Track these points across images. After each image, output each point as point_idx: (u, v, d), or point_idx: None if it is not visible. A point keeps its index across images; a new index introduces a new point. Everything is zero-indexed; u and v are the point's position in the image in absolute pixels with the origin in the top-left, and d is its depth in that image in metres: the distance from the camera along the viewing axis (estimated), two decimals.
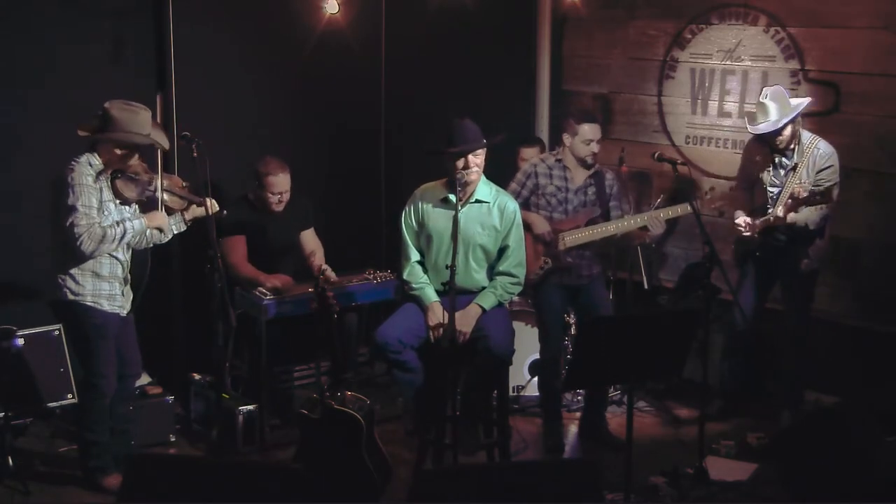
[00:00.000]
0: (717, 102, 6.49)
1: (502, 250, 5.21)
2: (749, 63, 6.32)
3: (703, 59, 6.56)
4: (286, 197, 5.80)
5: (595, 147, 5.54)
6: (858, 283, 6.02)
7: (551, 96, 7.35)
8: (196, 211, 4.99)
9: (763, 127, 5.48)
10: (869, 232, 5.94)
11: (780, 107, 5.45)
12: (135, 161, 4.89)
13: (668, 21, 6.70)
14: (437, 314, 5.07)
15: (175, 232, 5.05)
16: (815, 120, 5.95)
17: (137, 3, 5.81)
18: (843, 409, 4.87)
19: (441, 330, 5.02)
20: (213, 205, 4.92)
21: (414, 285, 5.21)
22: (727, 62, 6.43)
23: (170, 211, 4.99)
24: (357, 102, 6.60)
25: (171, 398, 5.65)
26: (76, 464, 5.17)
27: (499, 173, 5.63)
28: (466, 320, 5.05)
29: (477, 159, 5.06)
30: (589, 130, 5.52)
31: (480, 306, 5.11)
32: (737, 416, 6.02)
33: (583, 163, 5.56)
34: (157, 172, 4.93)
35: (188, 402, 5.79)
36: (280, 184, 5.74)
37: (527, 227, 5.47)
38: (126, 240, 4.81)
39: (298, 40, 6.30)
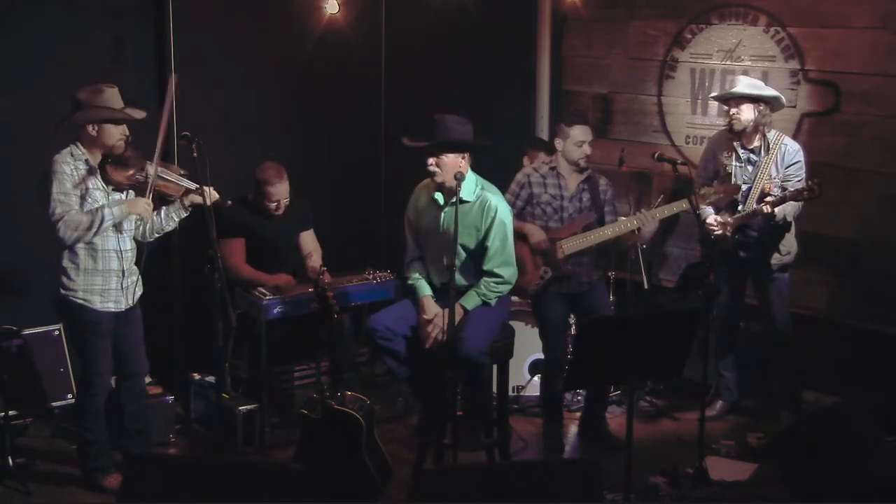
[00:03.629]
0: (717, 102, 6.48)
1: (486, 249, 5.17)
2: (749, 63, 6.32)
3: (703, 59, 6.57)
4: (284, 203, 5.80)
5: (587, 149, 5.54)
6: (858, 283, 6.02)
7: (551, 96, 7.35)
8: (195, 198, 4.93)
9: (733, 89, 5.59)
10: (869, 232, 5.95)
11: (749, 84, 5.57)
12: (120, 142, 4.83)
13: (668, 21, 6.71)
14: (429, 309, 5.09)
15: (176, 220, 5.03)
16: (815, 120, 5.95)
17: (137, 3, 5.81)
18: (843, 409, 4.86)
19: (433, 329, 5.05)
20: (211, 193, 4.89)
21: (409, 280, 5.27)
22: (727, 62, 6.43)
23: (166, 197, 4.98)
24: (357, 102, 6.60)
25: (171, 398, 5.65)
26: (76, 464, 5.16)
27: (504, 176, 5.64)
28: (447, 320, 5.03)
29: (435, 159, 5.01)
30: (580, 132, 5.52)
31: (462, 306, 5.10)
32: (737, 416, 6.03)
33: (576, 166, 5.56)
34: (153, 159, 4.88)
35: (188, 402, 5.79)
36: (278, 193, 5.75)
37: (523, 237, 5.48)
38: (105, 225, 4.76)
39: (298, 40, 6.31)
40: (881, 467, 4.05)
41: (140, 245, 5.07)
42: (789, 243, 5.67)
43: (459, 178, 4.94)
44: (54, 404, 5.51)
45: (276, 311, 5.55)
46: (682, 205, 5.42)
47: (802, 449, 4.28)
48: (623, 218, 5.56)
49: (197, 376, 5.76)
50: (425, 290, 5.19)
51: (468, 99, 6.44)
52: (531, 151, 6.55)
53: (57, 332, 5.48)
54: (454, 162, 5.04)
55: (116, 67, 5.73)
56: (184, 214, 5.04)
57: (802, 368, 5.89)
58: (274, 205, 5.77)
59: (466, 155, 5.08)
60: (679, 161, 5.56)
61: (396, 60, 6.66)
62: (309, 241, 6.04)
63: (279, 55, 6.29)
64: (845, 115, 5.96)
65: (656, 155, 5.53)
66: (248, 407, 5.53)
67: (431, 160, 5.03)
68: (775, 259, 5.66)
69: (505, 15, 7.16)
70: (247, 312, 5.64)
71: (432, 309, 5.10)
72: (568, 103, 7.20)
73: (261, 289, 5.62)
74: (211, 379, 5.64)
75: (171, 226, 5.07)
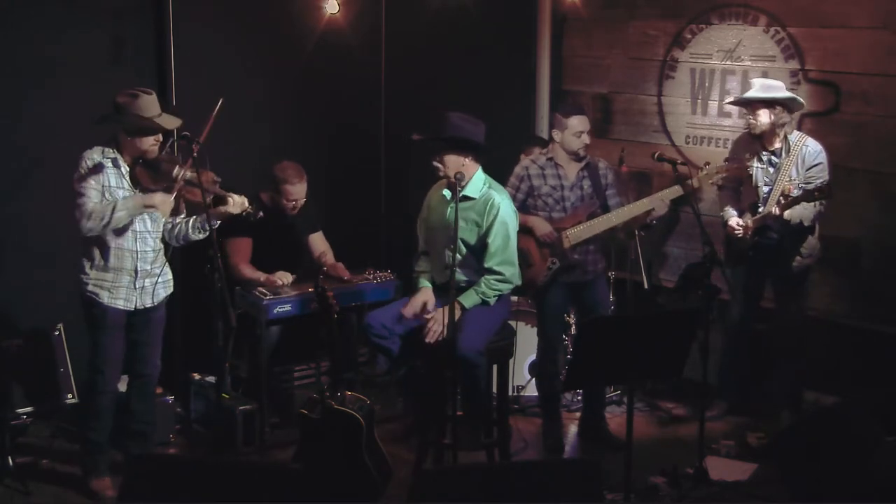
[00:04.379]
0: (717, 102, 6.49)
1: (487, 247, 5.15)
2: (749, 63, 6.32)
3: (703, 59, 6.57)
4: (301, 203, 5.81)
5: (586, 139, 5.54)
6: (858, 283, 6.02)
7: (551, 96, 7.34)
8: (224, 208, 4.90)
9: (747, 94, 5.65)
10: (869, 232, 5.95)
11: (763, 86, 5.62)
12: (153, 148, 4.83)
13: (668, 21, 6.71)
14: (421, 298, 5.11)
15: (202, 231, 4.95)
16: (815, 120, 5.95)
17: (137, 3, 5.81)
18: (843, 409, 4.86)
19: (433, 324, 5.06)
20: (236, 202, 4.90)
21: (415, 274, 5.31)
22: (727, 62, 6.43)
23: (193, 205, 4.97)
24: (357, 102, 6.60)
25: (171, 398, 5.66)
26: (76, 464, 5.17)
27: (504, 176, 5.64)
28: (446, 319, 5.02)
29: (438, 156, 5.06)
30: (578, 123, 5.52)
31: (461, 304, 5.10)
32: (737, 416, 6.03)
33: (575, 156, 5.56)
34: (184, 164, 4.85)
35: (188, 402, 5.79)
36: (296, 192, 5.76)
37: (528, 230, 5.48)
38: (117, 216, 4.68)
39: (298, 40, 6.31)
40: (881, 467, 4.06)
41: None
42: (811, 246, 5.67)
43: (459, 178, 4.95)
44: (54, 404, 5.50)
45: (276, 311, 5.55)
46: (678, 190, 5.43)
47: (802, 449, 4.28)
48: (630, 204, 5.53)
49: (197, 376, 5.76)
50: (424, 283, 5.22)
51: (468, 99, 6.43)
52: (528, 149, 6.56)
53: (57, 332, 5.47)
54: (456, 160, 5.05)
55: (116, 67, 5.73)
56: (210, 224, 4.93)
57: (803, 368, 5.89)
58: (292, 204, 5.78)
59: (469, 155, 5.08)
60: (679, 161, 5.56)
61: (396, 60, 6.65)
62: (319, 242, 6.06)
63: (279, 55, 6.29)
64: (845, 115, 5.96)
65: (656, 155, 5.53)
66: (248, 407, 5.53)
67: (435, 157, 5.06)
68: (796, 262, 5.66)
69: (505, 15, 7.16)
70: (247, 312, 5.64)
71: (427, 299, 5.11)
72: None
73: (261, 289, 5.62)
74: (211, 379, 5.64)
75: (198, 235, 5.00)
